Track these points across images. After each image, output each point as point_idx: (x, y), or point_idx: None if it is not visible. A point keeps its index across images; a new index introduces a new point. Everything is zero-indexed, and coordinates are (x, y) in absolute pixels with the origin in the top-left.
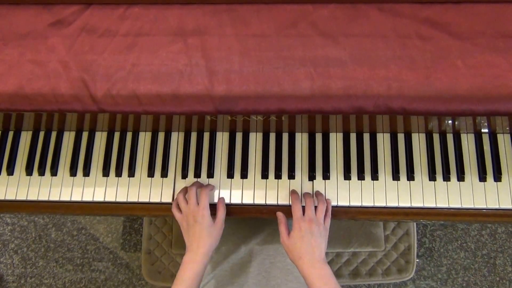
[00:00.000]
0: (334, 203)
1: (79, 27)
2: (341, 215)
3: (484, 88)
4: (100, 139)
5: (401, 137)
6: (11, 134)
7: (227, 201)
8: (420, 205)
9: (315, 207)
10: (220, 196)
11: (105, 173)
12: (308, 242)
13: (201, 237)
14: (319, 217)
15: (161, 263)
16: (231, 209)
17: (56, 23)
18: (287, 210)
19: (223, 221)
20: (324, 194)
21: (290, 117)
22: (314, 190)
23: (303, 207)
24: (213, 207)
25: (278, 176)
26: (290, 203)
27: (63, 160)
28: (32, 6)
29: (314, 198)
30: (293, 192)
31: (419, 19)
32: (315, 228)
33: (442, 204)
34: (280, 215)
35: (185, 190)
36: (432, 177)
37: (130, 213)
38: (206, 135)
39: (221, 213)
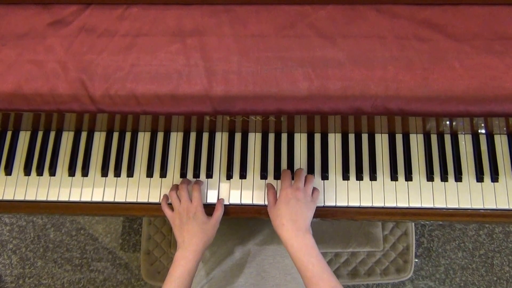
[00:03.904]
0: (332, 203)
1: (78, 27)
2: (340, 216)
3: (481, 89)
4: (99, 139)
5: (399, 138)
6: (9, 134)
7: (225, 201)
8: (418, 205)
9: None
10: (220, 197)
11: (104, 173)
12: (293, 207)
13: (195, 234)
14: (308, 188)
15: (160, 263)
16: (230, 209)
17: (55, 23)
18: None
19: (218, 221)
20: (322, 194)
21: (289, 118)
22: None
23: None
24: (206, 207)
25: (277, 176)
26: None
27: (62, 160)
28: (31, 6)
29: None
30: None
31: (417, 21)
32: (302, 195)
33: (439, 204)
34: (269, 185)
35: (176, 188)
36: (430, 177)
37: (129, 213)
38: (205, 136)
39: (219, 212)
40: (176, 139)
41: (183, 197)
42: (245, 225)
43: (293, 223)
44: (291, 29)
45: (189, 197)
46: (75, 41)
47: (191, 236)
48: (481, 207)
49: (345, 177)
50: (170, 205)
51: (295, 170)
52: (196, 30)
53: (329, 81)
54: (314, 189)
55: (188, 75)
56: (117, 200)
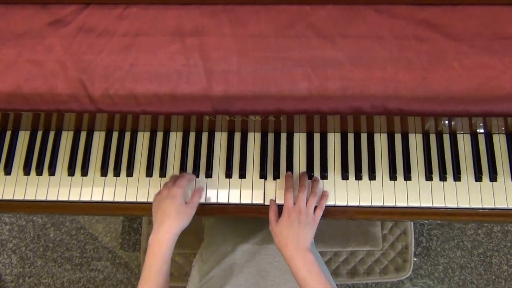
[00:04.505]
0: (332, 203)
1: (77, 27)
2: (339, 215)
3: (480, 89)
4: (99, 139)
5: (398, 138)
6: (9, 133)
7: (225, 201)
8: (417, 204)
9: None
10: (219, 196)
11: (103, 173)
12: (295, 230)
13: (169, 214)
14: (309, 208)
15: None
16: (230, 208)
17: (54, 23)
18: None
19: (195, 206)
20: (321, 187)
21: (288, 118)
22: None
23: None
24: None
25: (276, 176)
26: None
27: (61, 160)
28: (30, 6)
29: (309, 188)
30: (287, 177)
31: (416, 21)
32: (304, 218)
33: (438, 203)
34: (271, 201)
35: (174, 179)
36: (428, 177)
37: (128, 213)
38: (205, 135)
39: (196, 198)
40: (175, 138)
41: (169, 182)
42: (244, 224)
43: (295, 243)
44: (290, 29)
45: (174, 182)
46: (74, 41)
47: (164, 217)
48: (480, 206)
49: (344, 176)
50: None
51: (299, 173)
52: (196, 30)
53: (328, 81)
54: (318, 206)
55: (188, 75)
56: (116, 199)
